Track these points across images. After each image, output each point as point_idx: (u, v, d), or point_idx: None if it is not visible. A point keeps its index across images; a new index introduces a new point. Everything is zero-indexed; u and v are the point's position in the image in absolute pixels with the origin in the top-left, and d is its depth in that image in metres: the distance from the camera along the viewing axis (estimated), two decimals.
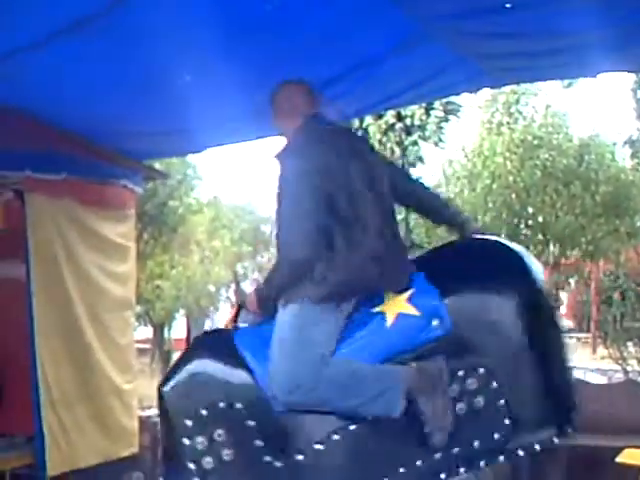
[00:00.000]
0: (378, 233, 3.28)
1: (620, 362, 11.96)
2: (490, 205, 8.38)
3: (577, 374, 13.08)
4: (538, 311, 3.29)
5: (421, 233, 11.47)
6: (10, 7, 3.29)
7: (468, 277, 3.29)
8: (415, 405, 3.13)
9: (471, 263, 3.37)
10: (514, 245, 3.55)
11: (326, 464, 3.18)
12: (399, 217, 3.81)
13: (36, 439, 5.11)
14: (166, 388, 3.33)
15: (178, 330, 19.18)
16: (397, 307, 3.25)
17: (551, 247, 8.78)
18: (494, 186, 8.44)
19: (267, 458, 3.16)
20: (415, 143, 24.63)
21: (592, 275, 13.81)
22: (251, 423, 3.18)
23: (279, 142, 3.55)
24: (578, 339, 18.85)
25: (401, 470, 3.18)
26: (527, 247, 8.55)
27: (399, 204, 3.68)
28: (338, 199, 3.22)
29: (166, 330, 17.84)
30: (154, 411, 8.05)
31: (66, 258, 5.32)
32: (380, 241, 3.28)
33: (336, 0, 3.64)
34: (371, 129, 24.43)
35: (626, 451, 4.52)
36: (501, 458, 3.26)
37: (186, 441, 3.18)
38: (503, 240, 3.73)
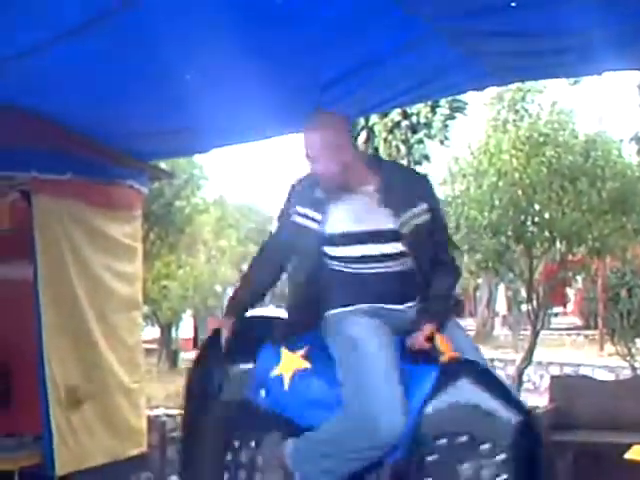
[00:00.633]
0: None
1: (627, 359, 11.96)
2: (496, 202, 8.33)
3: (585, 371, 13.05)
4: None
5: None
6: (19, 7, 3.30)
7: None
8: None
9: None
10: None
11: None
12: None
13: (44, 439, 5.11)
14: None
15: (185, 330, 19.21)
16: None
17: (557, 244, 8.73)
18: (500, 183, 8.39)
19: None
20: (421, 141, 24.67)
21: (599, 272, 13.75)
22: None
23: (285, 142, 3.53)
24: (585, 336, 18.86)
25: None
26: (534, 244, 8.54)
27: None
28: None
29: (173, 330, 17.85)
30: (162, 411, 8.09)
31: (73, 258, 5.32)
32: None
33: (340, 0, 3.65)
34: (377, 127, 24.42)
35: (634, 447, 4.50)
36: None
37: None
38: None
